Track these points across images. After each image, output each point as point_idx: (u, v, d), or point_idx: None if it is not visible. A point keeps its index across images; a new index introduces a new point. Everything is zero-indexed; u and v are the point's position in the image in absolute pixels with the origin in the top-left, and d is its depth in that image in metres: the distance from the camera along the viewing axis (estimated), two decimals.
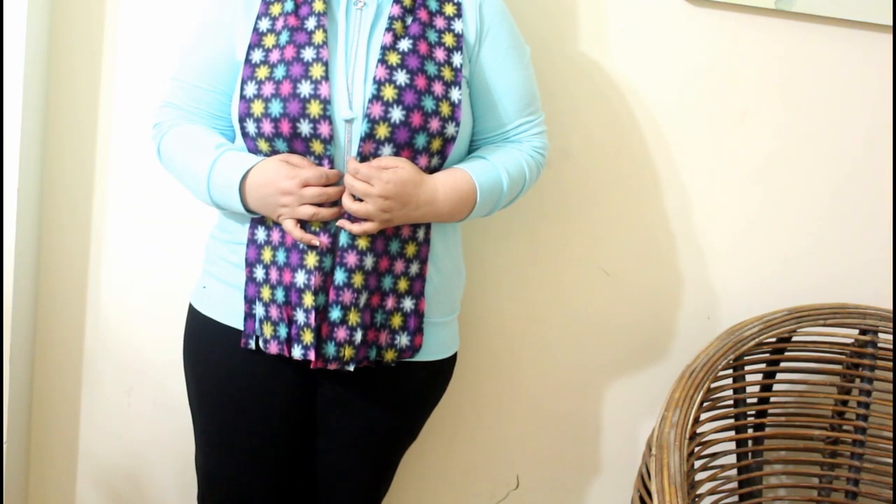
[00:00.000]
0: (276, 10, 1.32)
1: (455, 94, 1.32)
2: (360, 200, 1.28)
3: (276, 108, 1.27)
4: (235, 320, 1.37)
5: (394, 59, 1.29)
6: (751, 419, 1.69)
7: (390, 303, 1.36)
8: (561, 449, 1.88)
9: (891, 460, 1.69)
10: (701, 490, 1.62)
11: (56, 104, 1.70)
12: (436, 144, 1.31)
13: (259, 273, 1.34)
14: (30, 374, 1.79)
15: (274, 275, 1.32)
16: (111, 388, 1.81)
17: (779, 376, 1.72)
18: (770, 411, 1.71)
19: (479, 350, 1.80)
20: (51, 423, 1.83)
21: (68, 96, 1.70)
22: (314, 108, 1.26)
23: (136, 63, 1.69)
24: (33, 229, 1.71)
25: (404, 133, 1.28)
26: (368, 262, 1.32)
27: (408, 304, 1.37)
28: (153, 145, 1.44)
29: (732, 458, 1.66)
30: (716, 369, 1.56)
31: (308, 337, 1.31)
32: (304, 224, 1.30)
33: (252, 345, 1.35)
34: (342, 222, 1.30)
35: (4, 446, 1.68)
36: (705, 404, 1.56)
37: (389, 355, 1.37)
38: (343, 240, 1.30)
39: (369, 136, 1.27)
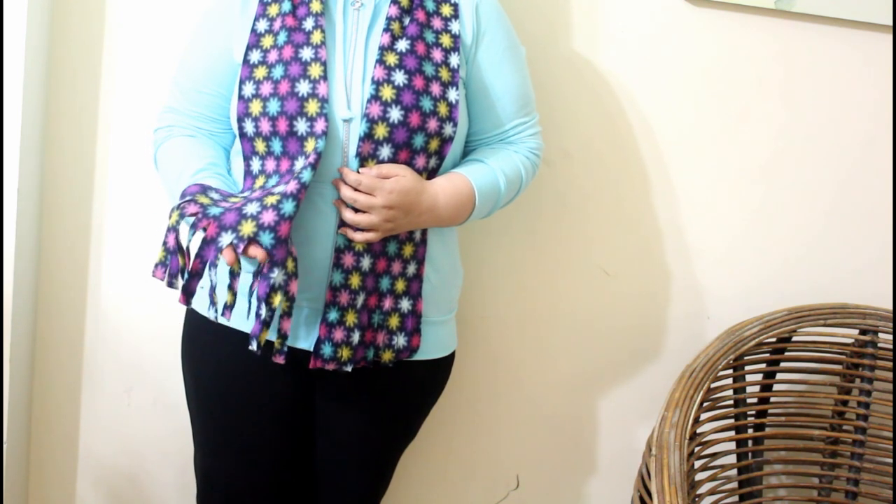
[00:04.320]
0: (273, 10, 1.32)
1: (452, 94, 1.32)
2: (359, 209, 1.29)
3: (273, 106, 1.27)
4: (233, 321, 1.36)
5: (392, 59, 1.29)
6: (751, 419, 1.69)
7: (388, 303, 1.36)
8: (561, 449, 1.88)
9: (891, 460, 1.69)
10: (701, 490, 1.62)
11: (56, 104, 1.70)
12: (434, 145, 1.31)
13: None
14: (30, 373, 1.79)
15: None
16: (111, 387, 1.81)
17: (779, 376, 1.72)
18: (770, 411, 1.71)
19: (479, 350, 1.80)
20: (51, 422, 1.83)
21: (68, 96, 1.70)
22: (312, 107, 1.26)
23: (136, 63, 1.69)
24: (33, 229, 1.71)
25: (403, 133, 1.28)
26: (366, 263, 1.32)
27: (405, 304, 1.37)
28: (151, 151, 1.45)
29: (732, 458, 1.66)
30: (716, 369, 1.56)
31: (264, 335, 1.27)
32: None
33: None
34: (344, 230, 1.30)
35: (4, 446, 1.68)
36: (705, 404, 1.56)
37: (387, 356, 1.37)
38: (340, 240, 1.31)
39: (368, 137, 1.27)
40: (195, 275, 1.22)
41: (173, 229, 1.23)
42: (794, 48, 1.72)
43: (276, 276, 1.21)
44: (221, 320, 1.34)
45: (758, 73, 1.73)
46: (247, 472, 1.45)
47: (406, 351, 1.38)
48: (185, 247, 1.25)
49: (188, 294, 1.24)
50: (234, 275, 1.21)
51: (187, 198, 1.25)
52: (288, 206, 1.21)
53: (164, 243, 1.25)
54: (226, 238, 1.19)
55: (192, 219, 1.23)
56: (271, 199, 1.21)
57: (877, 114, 1.75)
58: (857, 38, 1.71)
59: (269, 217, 1.20)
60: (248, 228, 1.19)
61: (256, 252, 1.19)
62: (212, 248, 1.20)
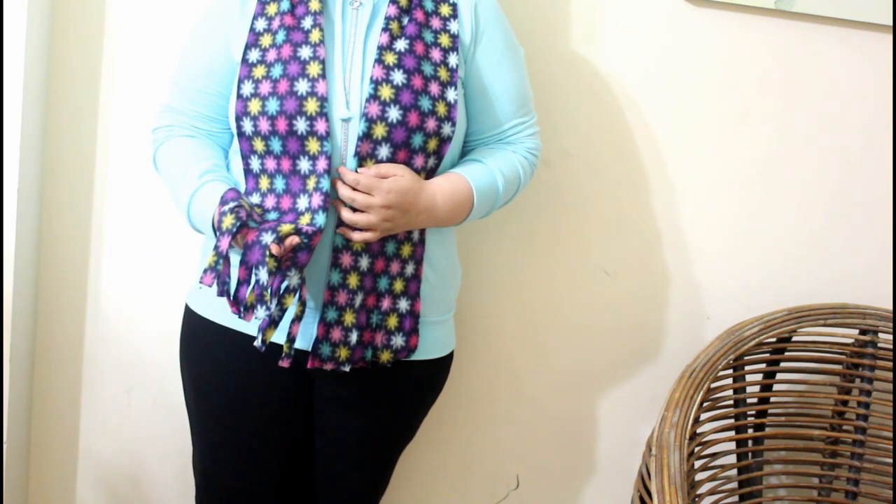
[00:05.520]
0: (272, 9, 1.32)
1: (451, 94, 1.32)
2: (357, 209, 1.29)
3: (272, 105, 1.27)
4: (231, 320, 1.36)
5: (391, 58, 1.29)
6: (751, 419, 1.69)
7: (386, 303, 1.36)
8: (561, 449, 1.88)
9: (891, 460, 1.69)
10: (701, 490, 1.62)
11: (56, 104, 1.70)
12: (432, 144, 1.31)
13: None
14: (30, 374, 1.79)
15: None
16: (111, 387, 1.81)
17: (779, 376, 1.72)
18: (770, 411, 1.71)
19: (478, 350, 1.80)
20: (51, 422, 1.83)
21: (68, 96, 1.70)
22: (311, 106, 1.26)
23: (136, 63, 1.69)
24: (33, 229, 1.71)
25: (401, 133, 1.28)
26: (364, 262, 1.32)
27: (403, 304, 1.37)
28: (150, 151, 1.44)
29: (732, 458, 1.66)
30: (716, 369, 1.56)
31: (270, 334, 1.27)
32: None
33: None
34: (342, 230, 1.30)
35: (4, 446, 1.68)
36: (705, 404, 1.56)
37: (385, 356, 1.37)
38: (338, 240, 1.31)
39: (367, 136, 1.27)
40: (243, 282, 1.23)
41: (229, 232, 1.23)
42: (794, 48, 1.72)
43: (293, 277, 1.23)
44: (231, 322, 1.35)
45: (758, 73, 1.73)
46: (246, 472, 1.45)
47: (404, 351, 1.38)
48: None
49: (239, 302, 1.24)
50: (270, 274, 1.21)
51: (232, 203, 1.25)
52: (319, 219, 1.26)
53: (216, 248, 1.24)
54: (267, 237, 1.21)
55: (239, 221, 1.23)
56: (305, 219, 1.26)
57: (877, 114, 1.75)
58: (857, 38, 1.71)
59: (305, 229, 1.24)
60: (286, 228, 1.22)
61: (293, 240, 1.21)
62: (255, 248, 1.21)
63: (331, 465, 1.48)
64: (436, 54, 1.33)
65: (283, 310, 1.24)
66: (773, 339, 1.67)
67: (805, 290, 1.77)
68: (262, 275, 1.21)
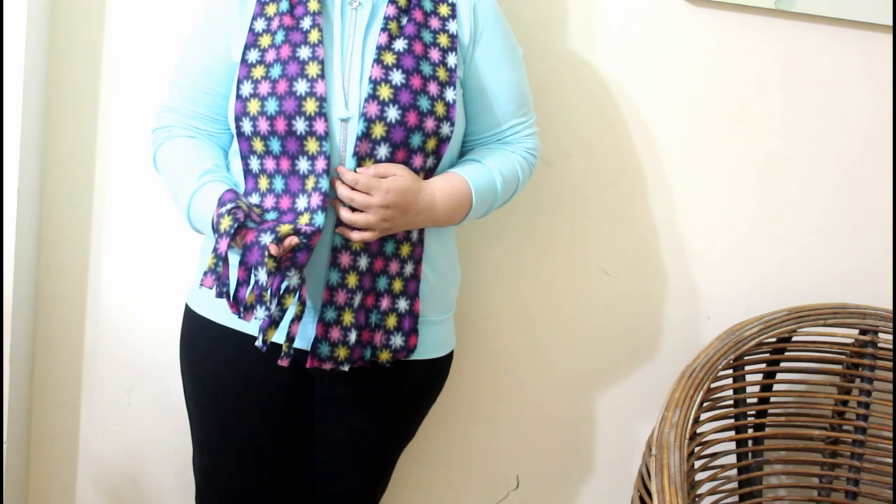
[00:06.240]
0: (271, 10, 1.32)
1: (450, 94, 1.32)
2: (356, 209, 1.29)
3: (271, 105, 1.27)
4: (231, 320, 1.36)
5: (389, 58, 1.30)
6: (751, 419, 1.69)
7: (385, 303, 1.36)
8: (561, 449, 1.88)
9: (891, 460, 1.69)
10: (701, 490, 1.62)
11: (56, 104, 1.70)
12: (431, 144, 1.31)
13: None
14: (30, 373, 1.79)
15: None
16: (111, 387, 1.81)
17: (779, 376, 1.72)
18: (770, 411, 1.71)
19: (478, 350, 1.80)
20: (51, 422, 1.83)
21: (68, 96, 1.70)
22: (310, 106, 1.26)
23: (136, 63, 1.69)
24: (33, 229, 1.71)
25: (400, 132, 1.28)
26: (363, 262, 1.32)
27: (402, 304, 1.37)
28: (150, 151, 1.44)
29: (732, 458, 1.66)
30: (716, 369, 1.56)
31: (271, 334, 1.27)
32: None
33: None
34: (341, 230, 1.30)
35: (4, 446, 1.68)
36: (705, 404, 1.56)
37: (384, 356, 1.37)
38: (337, 240, 1.31)
39: (365, 136, 1.28)
40: (242, 282, 1.23)
41: (227, 234, 1.23)
42: (794, 48, 1.72)
43: (293, 277, 1.23)
44: (231, 322, 1.35)
45: (758, 73, 1.73)
46: (245, 472, 1.45)
47: (403, 351, 1.38)
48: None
49: (238, 303, 1.24)
50: (269, 274, 1.21)
51: (230, 205, 1.25)
52: (318, 219, 1.26)
53: (215, 250, 1.24)
54: (266, 237, 1.21)
55: (237, 223, 1.23)
56: (304, 219, 1.26)
57: (877, 114, 1.75)
58: (857, 38, 1.71)
59: (304, 229, 1.24)
60: (285, 228, 1.22)
61: (292, 241, 1.21)
62: (255, 249, 1.21)
63: (331, 465, 1.48)
64: (434, 54, 1.33)
65: (283, 310, 1.24)
66: (773, 339, 1.67)
67: (805, 290, 1.77)
68: (262, 275, 1.21)
